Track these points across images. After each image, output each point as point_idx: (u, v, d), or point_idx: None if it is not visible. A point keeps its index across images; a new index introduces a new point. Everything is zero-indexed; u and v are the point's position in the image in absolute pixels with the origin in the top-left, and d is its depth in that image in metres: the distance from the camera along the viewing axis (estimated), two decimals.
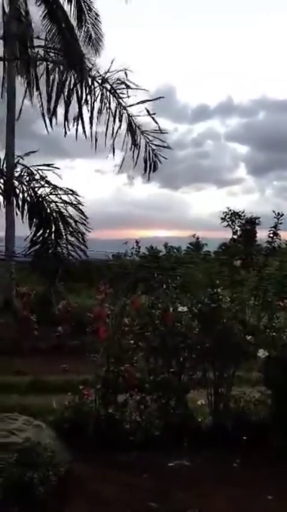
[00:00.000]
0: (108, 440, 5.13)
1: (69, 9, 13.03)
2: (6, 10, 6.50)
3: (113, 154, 5.47)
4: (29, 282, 13.55)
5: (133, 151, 5.48)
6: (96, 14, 13.70)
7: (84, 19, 13.28)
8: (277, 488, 4.40)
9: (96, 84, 5.30)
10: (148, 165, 5.58)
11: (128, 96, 5.34)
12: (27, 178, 4.71)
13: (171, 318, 5.89)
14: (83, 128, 5.29)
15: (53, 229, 4.67)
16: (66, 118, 5.32)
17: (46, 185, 4.71)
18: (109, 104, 5.38)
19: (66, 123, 5.31)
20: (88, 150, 5.32)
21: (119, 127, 5.40)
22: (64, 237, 4.69)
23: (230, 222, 5.82)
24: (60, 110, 5.35)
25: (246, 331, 5.76)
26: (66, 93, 5.23)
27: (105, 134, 5.38)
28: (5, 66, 5.73)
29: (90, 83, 5.22)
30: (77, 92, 5.20)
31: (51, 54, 5.50)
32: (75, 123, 5.29)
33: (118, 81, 5.21)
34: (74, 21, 12.99)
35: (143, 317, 6.10)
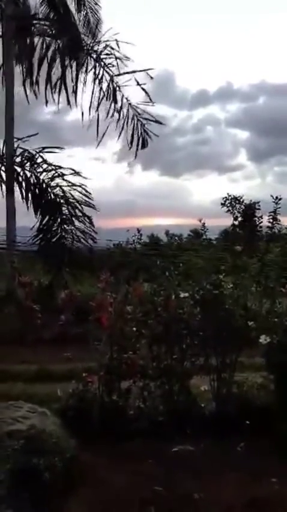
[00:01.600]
0: (113, 427, 5.17)
1: None
2: None
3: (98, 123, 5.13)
4: (32, 271, 13.57)
5: (111, 112, 5.09)
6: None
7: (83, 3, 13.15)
8: (282, 473, 4.43)
9: (86, 56, 5.10)
10: (136, 138, 5.31)
11: (117, 63, 5.05)
12: (29, 164, 4.64)
13: (173, 305, 5.90)
14: (69, 98, 5.06)
15: (58, 215, 4.60)
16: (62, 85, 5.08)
17: (49, 168, 4.61)
18: (94, 70, 5.12)
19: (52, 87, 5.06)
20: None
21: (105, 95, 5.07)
22: (70, 222, 4.62)
23: (230, 208, 5.81)
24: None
25: (248, 317, 5.77)
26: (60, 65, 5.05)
27: (91, 101, 5.12)
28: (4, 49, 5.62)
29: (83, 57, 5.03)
30: (65, 65, 5.02)
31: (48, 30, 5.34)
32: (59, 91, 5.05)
33: (107, 53, 5.02)
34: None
35: (145, 304, 6.12)
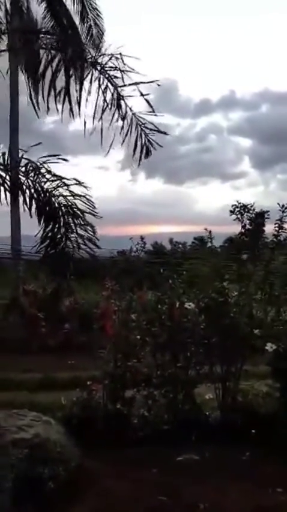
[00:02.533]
0: (117, 435, 5.15)
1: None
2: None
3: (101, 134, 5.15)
4: (36, 280, 13.61)
5: (115, 120, 5.11)
6: (98, 11, 13.77)
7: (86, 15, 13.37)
8: None
9: (91, 68, 5.15)
10: (139, 146, 5.31)
11: (122, 75, 5.08)
12: (33, 173, 4.66)
13: (178, 313, 5.89)
14: (72, 108, 5.11)
15: (61, 224, 4.62)
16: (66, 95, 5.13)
17: (53, 178, 4.64)
18: (99, 81, 5.16)
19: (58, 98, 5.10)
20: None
21: (109, 105, 5.11)
22: (74, 230, 4.64)
23: (239, 216, 5.81)
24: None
25: (253, 325, 5.75)
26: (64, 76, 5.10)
27: (95, 111, 5.15)
28: (9, 61, 5.70)
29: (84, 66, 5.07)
30: (69, 75, 5.06)
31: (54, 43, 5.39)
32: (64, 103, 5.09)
33: (111, 66, 5.06)
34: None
35: (149, 312, 6.11)
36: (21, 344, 10.51)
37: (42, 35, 5.40)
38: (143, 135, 5.25)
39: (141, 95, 5.07)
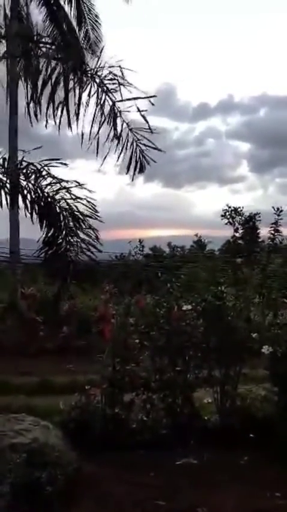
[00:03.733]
0: (115, 440, 5.14)
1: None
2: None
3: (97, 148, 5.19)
4: (34, 283, 13.61)
5: (112, 135, 5.17)
6: (96, 16, 13.83)
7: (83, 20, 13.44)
8: (286, 486, 4.40)
9: (90, 81, 5.20)
10: (133, 162, 5.37)
11: (120, 89, 5.14)
12: (34, 176, 4.66)
13: (176, 317, 5.90)
14: (70, 120, 5.14)
15: (63, 228, 4.62)
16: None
17: (54, 181, 4.65)
18: (97, 95, 5.20)
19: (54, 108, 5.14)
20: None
21: (107, 121, 5.17)
22: (75, 234, 4.64)
23: (230, 219, 5.82)
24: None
25: (251, 329, 5.76)
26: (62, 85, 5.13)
27: (92, 123, 5.20)
28: (8, 67, 5.72)
29: (80, 76, 5.11)
30: (68, 89, 5.10)
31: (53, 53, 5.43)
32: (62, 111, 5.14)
33: (110, 78, 5.10)
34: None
35: (148, 316, 6.12)
36: (20, 347, 10.48)
37: (42, 44, 5.43)
38: (138, 151, 5.32)
39: (139, 110, 5.13)
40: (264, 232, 6.49)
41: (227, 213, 6.29)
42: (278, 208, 6.18)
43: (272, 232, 6.24)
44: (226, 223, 6.33)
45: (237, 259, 6.22)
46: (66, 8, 14.20)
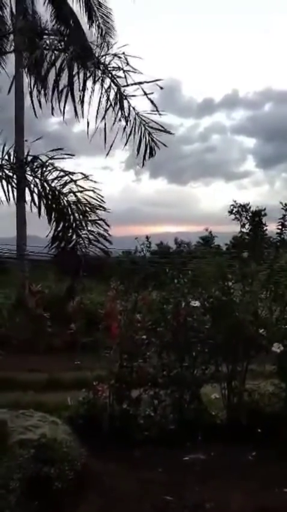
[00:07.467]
0: (123, 435, 5.17)
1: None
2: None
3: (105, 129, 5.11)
4: (43, 280, 13.65)
5: (118, 120, 5.05)
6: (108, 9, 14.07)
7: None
8: None
9: (94, 68, 5.12)
10: (143, 146, 5.27)
11: (125, 75, 5.04)
12: (40, 170, 4.63)
13: (183, 313, 5.89)
14: (76, 108, 5.05)
15: (72, 221, 4.58)
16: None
17: (61, 174, 4.61)
18: (101, 81, 5.11)
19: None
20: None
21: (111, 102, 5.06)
22: (84, 227, 4.60)
23: (237, 215, 5.79)
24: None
25: (258, 325, 5.74)
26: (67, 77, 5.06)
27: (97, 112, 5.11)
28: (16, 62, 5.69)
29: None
30: (73, 75, 5.02)
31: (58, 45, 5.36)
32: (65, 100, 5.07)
33: (115, 66, 5.03)
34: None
35: (154, 313, 6.12)
36: (28, 344, 10.54)
37: (46, 36, 5.37)
38: (147, 135, 5.21)
39: (145, 94, 5.02)
40: (271, 227, 6.46)
41: (235, 209, 6.27)
42: (286, 204, 6.15)
43: (280, 227, 6.21)
44: (233, 219, 6.31)
45: (244, 255, 6.19)
46: (74, 0, 14.34)
